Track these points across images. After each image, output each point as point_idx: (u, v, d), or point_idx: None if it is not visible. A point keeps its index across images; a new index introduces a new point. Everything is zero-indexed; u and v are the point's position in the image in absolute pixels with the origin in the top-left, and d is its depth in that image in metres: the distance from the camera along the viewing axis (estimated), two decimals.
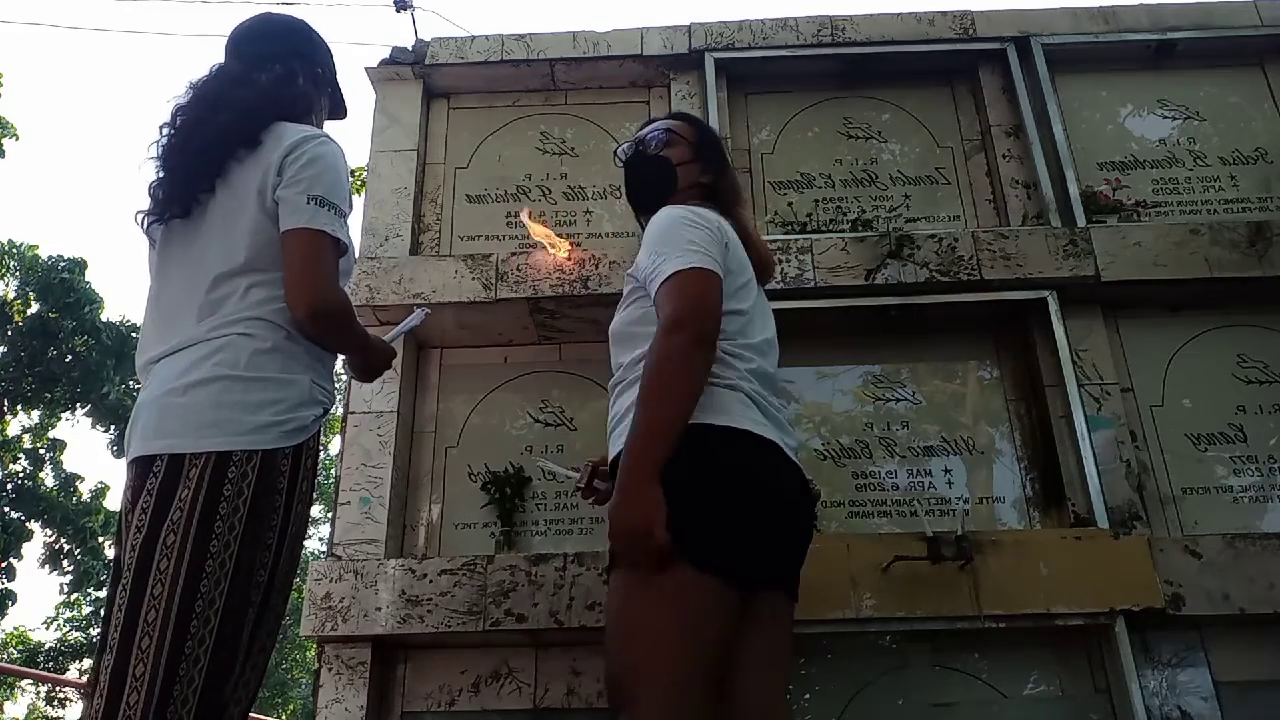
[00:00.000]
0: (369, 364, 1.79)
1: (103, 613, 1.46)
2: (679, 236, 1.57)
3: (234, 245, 1.56)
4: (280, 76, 1.70)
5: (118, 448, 12.83)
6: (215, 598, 1.36)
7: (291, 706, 17.27)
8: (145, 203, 1.68)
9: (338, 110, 1.92)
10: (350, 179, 1.67)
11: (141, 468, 1.46)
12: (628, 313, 1.69)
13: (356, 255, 2.96)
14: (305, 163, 1.57)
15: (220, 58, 1.79)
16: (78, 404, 12.67)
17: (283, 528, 1.48)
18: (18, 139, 12.18)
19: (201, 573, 1.36)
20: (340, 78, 1.91)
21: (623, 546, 1.39)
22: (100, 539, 13.61)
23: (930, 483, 2.71)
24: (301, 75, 1.75)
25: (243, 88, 1.65)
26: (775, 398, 1.63)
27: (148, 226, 1.66)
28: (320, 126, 1.81)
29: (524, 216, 2.85)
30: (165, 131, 1.66)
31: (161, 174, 1.65)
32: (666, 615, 1.37)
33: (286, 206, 1.55)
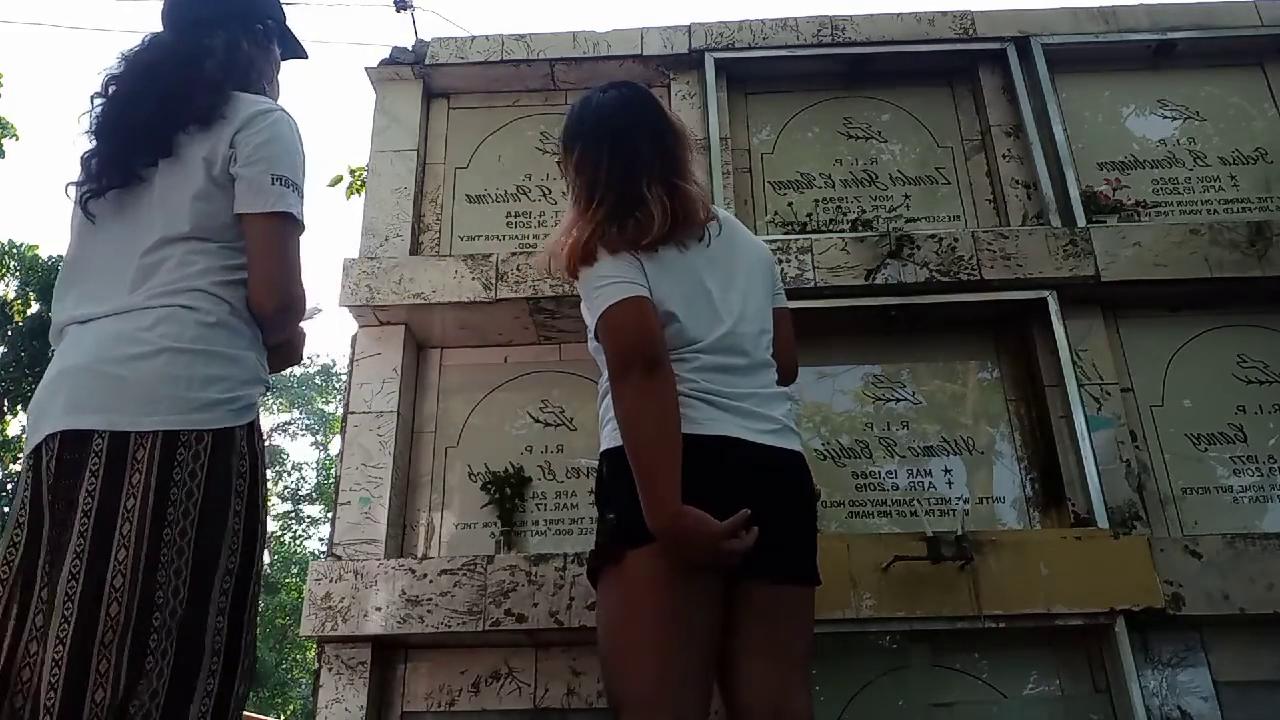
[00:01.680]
0: (288, 360, 1.75)
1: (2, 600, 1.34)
2: (591, 281, 1.56)
3: (176, 213, 1.50)
4: (226, 45, 1.65)
5: None
6: (179, 587, 1.30)
7: (291, 706, 17.27)
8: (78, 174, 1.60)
9: (295, 52, 1.86)
10: (304, 151, 1.62)
11: (75, 442, 1.36)
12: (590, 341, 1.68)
13: (356, 255, 2.98)
14: (264, 140, 1.52)
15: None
16: None
17: (249, 509, 1.42)
18: (18, 139, 12.18)
19: (159, 562, 1.29)
20: (287, 19, 1.83)
21: (708, 565, 1.44)
22: None
23: (930, 483, 2.71)
24: (244, 40, 1.70)
25: (188, 66, 1.59)
26: (742, 381, 1.58)
27: (84, 200, 1.57)
28: (274, 82, 1.77)
29: None
30: (98, 102, 1.60)
31: (96, 144, 1.58)
32: (625, 606, 1.47)
33: (249, 186, 1.50)
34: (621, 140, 1.64)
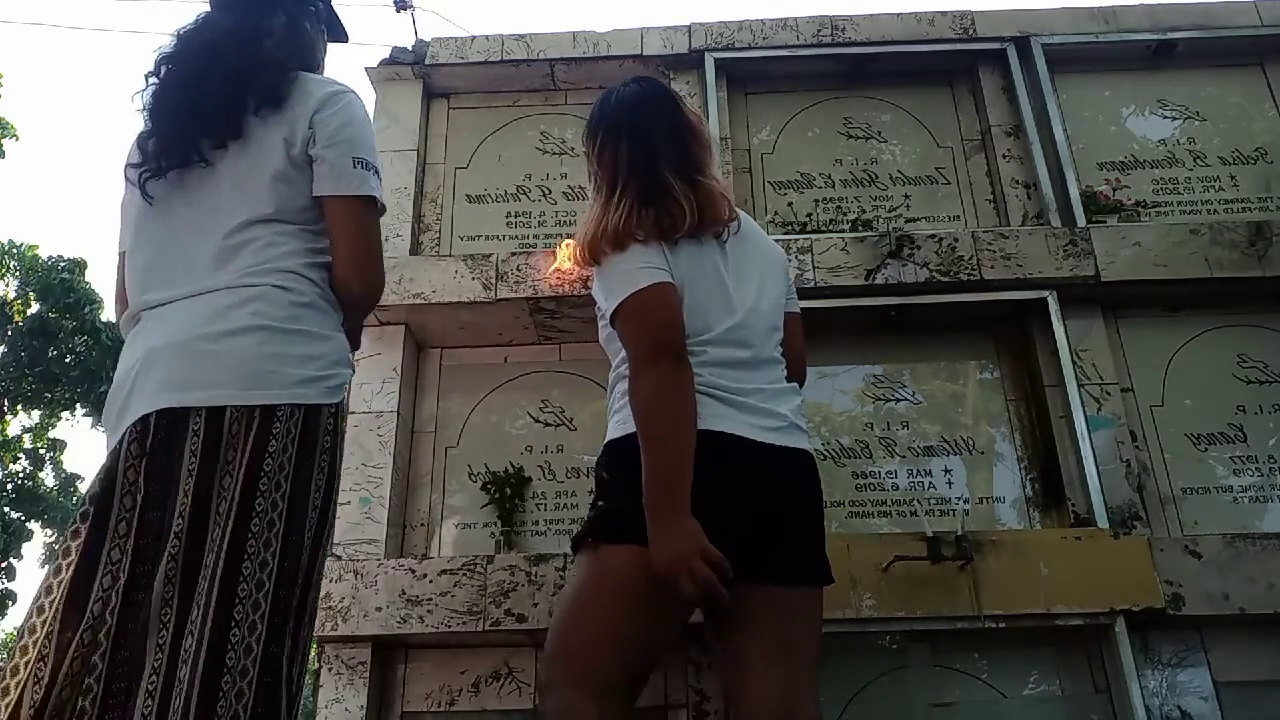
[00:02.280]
0: (353, 345, 1.72)
1: (64, 587, 1.31)
2: (617, 264, 1.56)
3: (257, 195, 1.48)
4: (288, 24, 1.63)
5: None
6: (268, 559, 1.28)
7: None
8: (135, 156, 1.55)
9: (339, 35, 1.86)
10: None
11: (171, 420, 1.34)
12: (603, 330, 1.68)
13: None
14: (343, 122, 1.51)
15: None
16: (78, 404, 12.67)
17: (326, 489, 1.42)
18: (18, 139, 12.19)
19: (248, 534, 1.28)
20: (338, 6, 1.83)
21: (670, 579, 1.40)
22: None
23: (930, 483, 2.71)
24: (304, 19, 1.69)
25: (264, 39, 1.57)
26: (748, 375, 1.57)
27: (144, 180, 1.53)
28: (323, 61, 1.77)
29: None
30: (151, 81, 1.57)
31: (154, 125, 1.55)
32: (590, 585, 1.49)
33: (330, 168, 1.49)
34: (639, 130, 1.65)
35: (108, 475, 1.37)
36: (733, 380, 1.54)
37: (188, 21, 1.63)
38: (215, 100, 1.51)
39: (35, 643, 1.29)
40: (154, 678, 1.23)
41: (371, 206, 1.53)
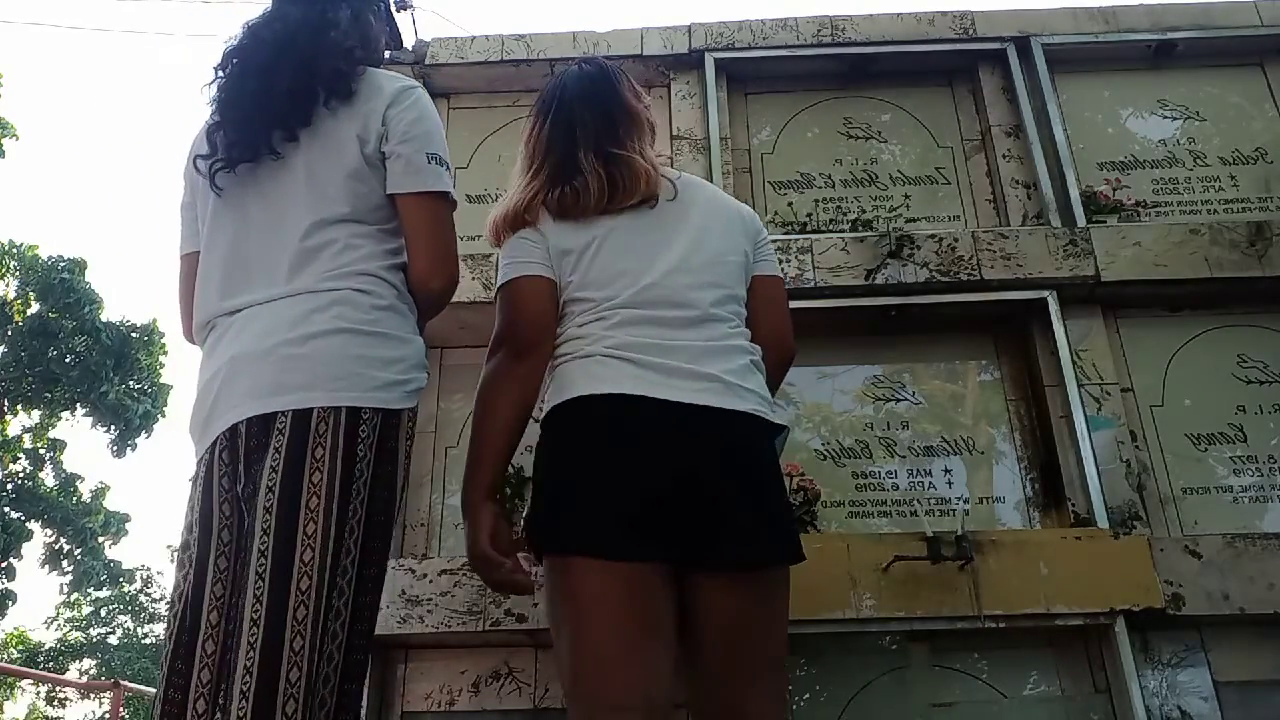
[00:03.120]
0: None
1: (185, 609, 1.33)
2: (500, 258, 1.63)
3: (331, 194, 1.46)
4: (353, 16, 1.62)
5: (118, 448, 12.85)
6: (347, 567, 1.29)
7: None
8: (204, 149, 1.56)
9: (394, 41, 1.86)
10: None
11: (261, 426, 1.33)
12: None
13: None
14: (416, 118, 1.51)
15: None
16: (78, 404, 12.68)
17: (400, 491, 1.43)
18: (18, 139, 12.20)
19: (344, 538, 1.29)
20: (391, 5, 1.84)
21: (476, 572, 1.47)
22: (100, 539, 13.62)
23: (930, 483, 2.71)
24: (369, 12, 1.68)
25: (329, 31, 1.56)
26: (674, 335, 1.48)
27: (214, 172, 1.51)
28: (384, 59, 1.77)
29: None
30: (219, 74, 1.56)
31: (220, 118, 1.53)
32: (559, 613, 1.41)
33: (406, 165, 1.48)
34: (563, 109, 1.65)
35: (205, 486, 1.37)
36: (650, 338, 1.46)
37: (255, 16, 1.62)
38: (286, 90, 1.49)
39: (165, 657, 1.33)
40: (247, 679, 1.22)
41: (447, 202, 1.53)
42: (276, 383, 1.35)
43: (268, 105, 1.49)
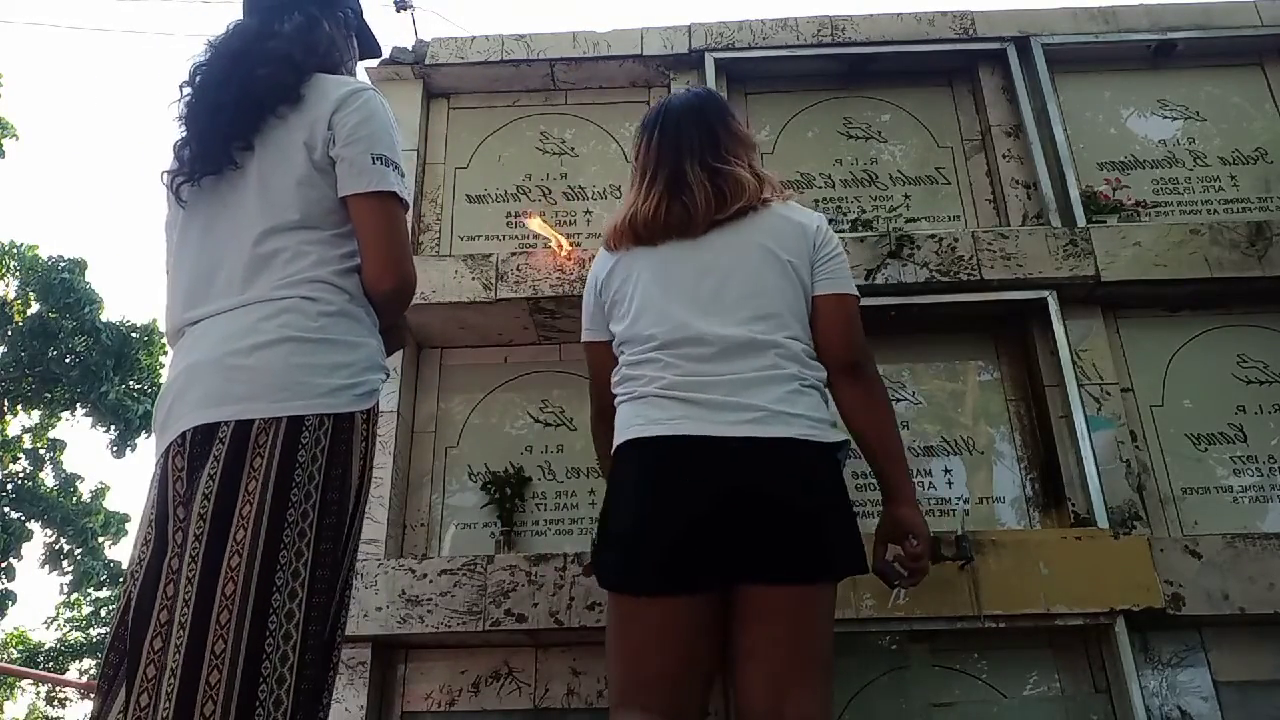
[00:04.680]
0: (396, 344, 1.75)
1: (131, 598, 1.35)
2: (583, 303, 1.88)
3: (282, 201, 1.49)
4: (302, 24, 1.63)
5: (118, 448, 12.84)
6: (299, 569, 1.31)
7: None
8: (171, 164, 1.60)
9: (371, 50, 1.86)
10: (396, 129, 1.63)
11: (205, 436, 1.37)
12: None
13: None
14: (361, 120, 1.52)
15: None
16: (78, 404, 12.67)
17: (357, 493, 1.44)
18: (18, 139, 12.20)
19: (280, 543, 1.30)
20: (367, 15, 1.84)
21: None
22: (100, 539, 13.62)
23: (930, 483, 2.71)
24: (325, 20, 1.68)
25: (269, 40, 1.58)
26: (709, 369, 1.55)
27: (176, 186, 1.56)
28: (352, 73, 1.77)
29: (530, 222, 2.88)
30: (185, 90, 1.60)
31: (186, 132, 1.58)
32: (606, 636, 1.58)
33: (350, 167, 1.50)
34: (669, 126, 1.74)
35: (160, 489, 1.41)
36: (692, 375, 1.56)
37: (220, 31, 1.66)
38: (233, 101, 1.53)
39: (110, 661, 1.35)
40: (172, 679, 1.23)
41: (395, 202, 1.53)
42: (222, 392, 1.38)
43: (220, 117, 1.53)
